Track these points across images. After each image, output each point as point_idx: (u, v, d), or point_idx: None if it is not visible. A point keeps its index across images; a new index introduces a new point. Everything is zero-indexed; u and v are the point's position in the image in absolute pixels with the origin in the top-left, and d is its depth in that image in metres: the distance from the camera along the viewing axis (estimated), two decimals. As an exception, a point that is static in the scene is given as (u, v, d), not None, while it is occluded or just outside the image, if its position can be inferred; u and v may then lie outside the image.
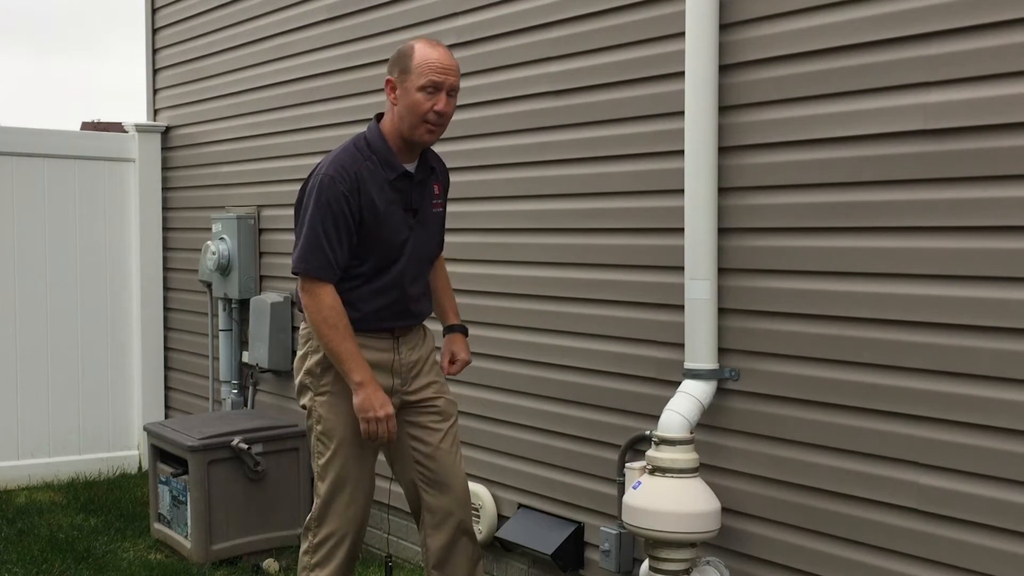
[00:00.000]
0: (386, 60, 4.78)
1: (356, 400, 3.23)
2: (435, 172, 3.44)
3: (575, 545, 3.96)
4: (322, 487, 3.38)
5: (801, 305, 3.22)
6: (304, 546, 3.45)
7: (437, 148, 4.56)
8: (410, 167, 3.33)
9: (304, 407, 3.43)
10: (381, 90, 4.80)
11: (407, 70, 3.23)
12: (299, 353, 3.45)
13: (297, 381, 3.45)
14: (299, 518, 4.79)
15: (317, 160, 5.28)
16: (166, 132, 6.76)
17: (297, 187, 5.67)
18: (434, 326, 3.63)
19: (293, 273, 3.31)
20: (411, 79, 3.21)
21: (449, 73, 3.23)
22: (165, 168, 6.78)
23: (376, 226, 3.26)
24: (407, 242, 3.32)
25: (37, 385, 6.36)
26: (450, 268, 3.74)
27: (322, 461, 3.37)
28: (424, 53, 3.22)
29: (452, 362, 3.54)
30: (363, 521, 3.43)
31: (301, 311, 3.39)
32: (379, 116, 3.39)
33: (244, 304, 5.90)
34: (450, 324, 3.61)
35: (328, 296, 3.22)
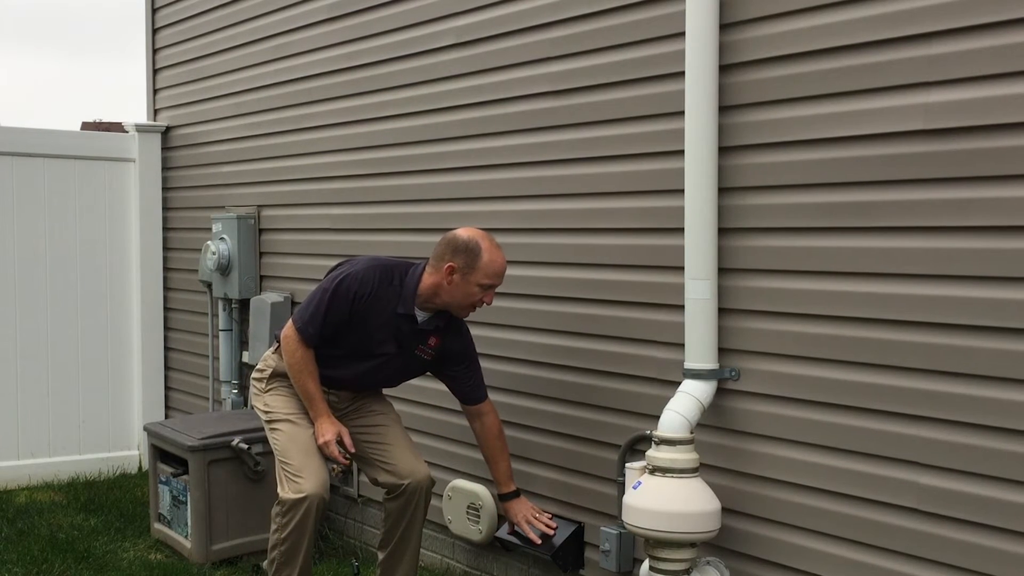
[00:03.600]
0: (386, 59, 4.82)
1: (315, 427, 3.85)
2: (441, 330, 3.85)
3: (575, 545, 3.96)
4: (282, 463, 3.83)
5: (801, 305, 3.22)
6: (272, 527, 3.86)
7: (438, 148, 4.58)
8: (420, 315, 3.81)
9: (258, 410, 4.01)
10: (381, 89, 4.86)
11: (474, 268, 3.68)
12: (254, 375, 4.08)
13: (250, 396, 4.11)
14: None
15: (317, 160, 5.34)
16: (166, 132, 6.76)
17: (297, 187, 5.69)
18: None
19: (294, 323, 3.83)
20: (475, 275, 3.68)
21: (504, 276, 3.76)
22: (165, 168, 6.78)
23: (359, 332, 3.79)
24: (375, 358, 3.86)
25: (37, 385, 6.36)
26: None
27: (276, 435, 3.89)
28: (491, 257, 3.69)
29: (527, 522, 3.95)
30: (322, 490, 3.77)
31: (278, 341, 3.96)
32: (427, 262, 3.81)
33: (244, 304, 5.90)
34: (504, 492, 4.00)
35: (302, 351, 3.81)
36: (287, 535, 3.78)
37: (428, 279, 3.75)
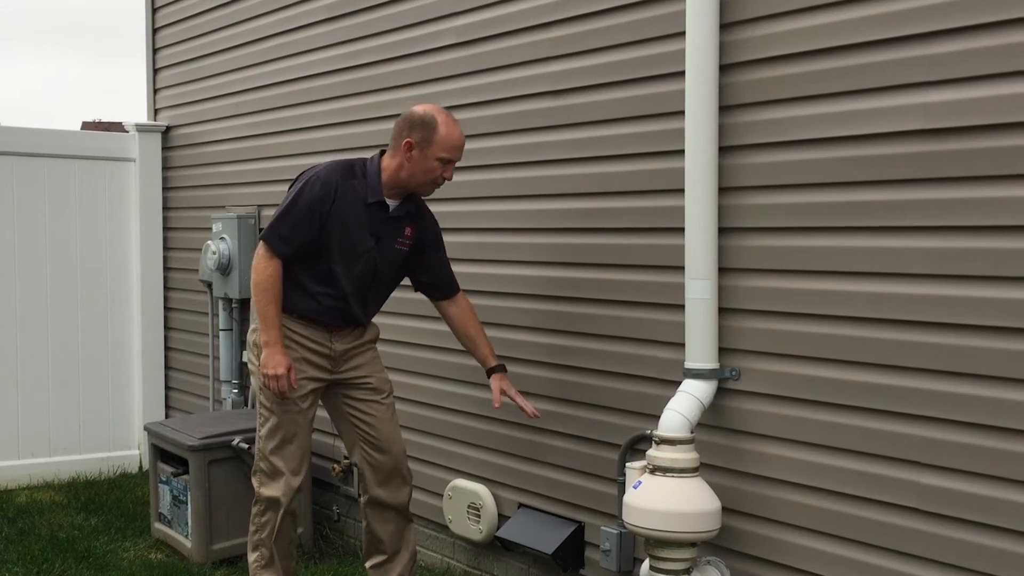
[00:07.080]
0: (386, 59, 4.83)
1: (262, 357, 3.69)
2: (412, 216, 3.84)
3: (575, 545, 3.97)
4: (264, 446, 3.80)
5: (801, 305, 3.22)
6: (252, 513, 3.87)
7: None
8: (390, 202, 3.77)
9: (251, 372, 3.86)
10: (381, 89, 4.86)
11: (430, 141, 3.65)
12: (251, 328, 3.88)
13: (247, 351, 3.94)
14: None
15: (317, 160, 5.32)
16: (166, 132, 6.76)
17: (297, 187, 5.59)
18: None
19: (263, 238, 3.72)
20: (433, 150, 3.65)
21: (462, 150, 3.74)
22: (165, 168, 6.78)
23: (339, 234, 3.70)
24: (359, 259, 3.74)
25: (37, 385, 6.36)
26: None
27: (263, 421, 3.80)
28: (448, 130, 3.66)
29: (503, 393, 3.92)
30: (302, 480, 3.85)
31: None
32: (382, 151, 3.80)
33: (244, 304, 5.90)
34: (491, 367, 3.97)
35: (272, 266, 3.68)
36: (267, 535, 3.84)
37: (389, 162, 3.72)
